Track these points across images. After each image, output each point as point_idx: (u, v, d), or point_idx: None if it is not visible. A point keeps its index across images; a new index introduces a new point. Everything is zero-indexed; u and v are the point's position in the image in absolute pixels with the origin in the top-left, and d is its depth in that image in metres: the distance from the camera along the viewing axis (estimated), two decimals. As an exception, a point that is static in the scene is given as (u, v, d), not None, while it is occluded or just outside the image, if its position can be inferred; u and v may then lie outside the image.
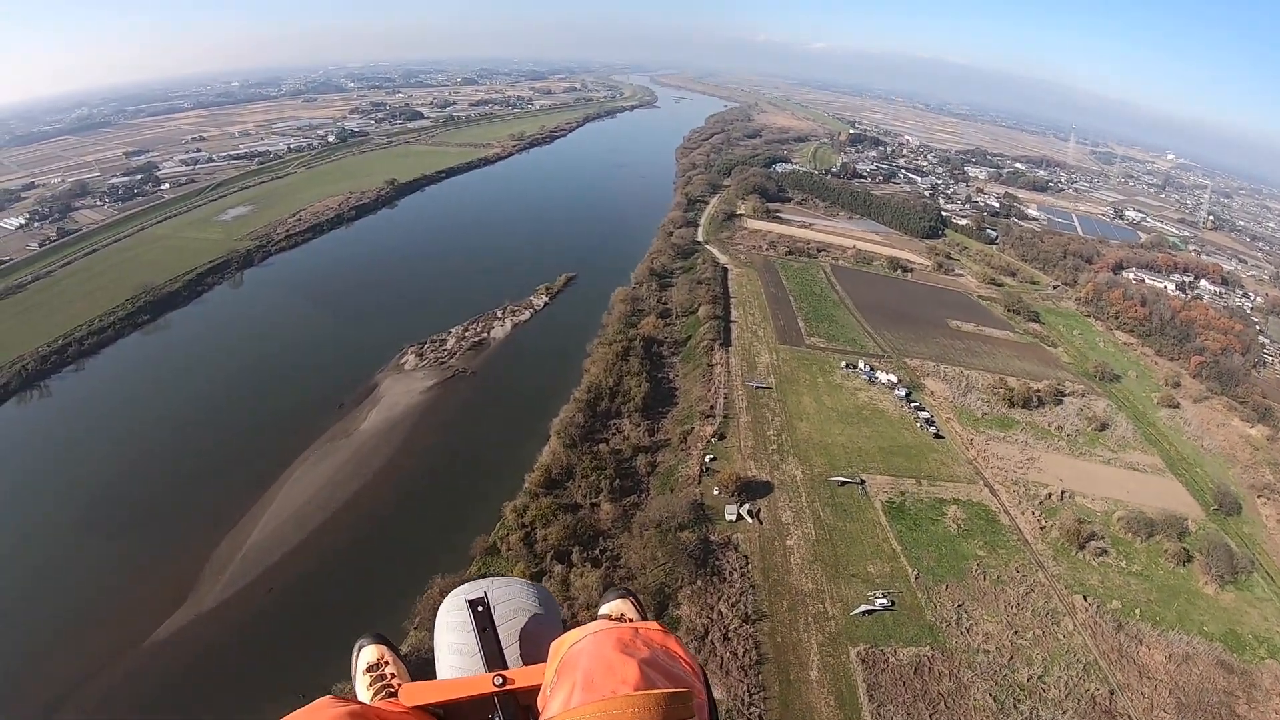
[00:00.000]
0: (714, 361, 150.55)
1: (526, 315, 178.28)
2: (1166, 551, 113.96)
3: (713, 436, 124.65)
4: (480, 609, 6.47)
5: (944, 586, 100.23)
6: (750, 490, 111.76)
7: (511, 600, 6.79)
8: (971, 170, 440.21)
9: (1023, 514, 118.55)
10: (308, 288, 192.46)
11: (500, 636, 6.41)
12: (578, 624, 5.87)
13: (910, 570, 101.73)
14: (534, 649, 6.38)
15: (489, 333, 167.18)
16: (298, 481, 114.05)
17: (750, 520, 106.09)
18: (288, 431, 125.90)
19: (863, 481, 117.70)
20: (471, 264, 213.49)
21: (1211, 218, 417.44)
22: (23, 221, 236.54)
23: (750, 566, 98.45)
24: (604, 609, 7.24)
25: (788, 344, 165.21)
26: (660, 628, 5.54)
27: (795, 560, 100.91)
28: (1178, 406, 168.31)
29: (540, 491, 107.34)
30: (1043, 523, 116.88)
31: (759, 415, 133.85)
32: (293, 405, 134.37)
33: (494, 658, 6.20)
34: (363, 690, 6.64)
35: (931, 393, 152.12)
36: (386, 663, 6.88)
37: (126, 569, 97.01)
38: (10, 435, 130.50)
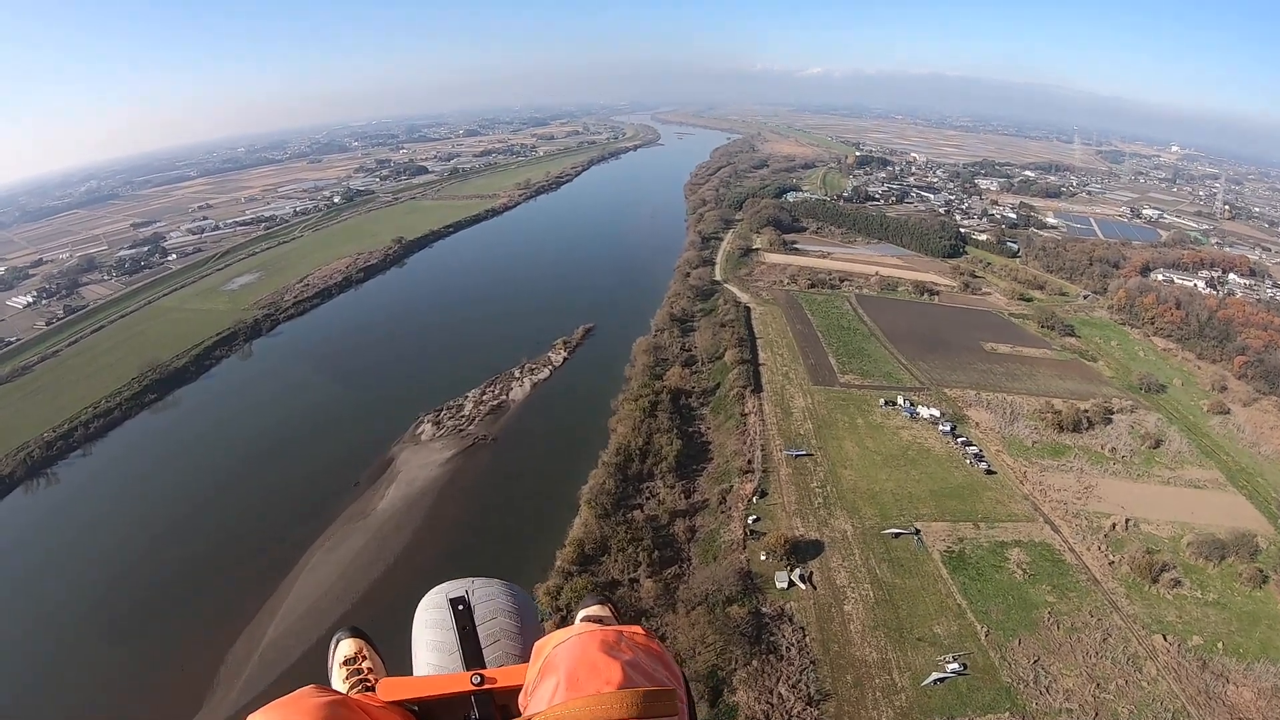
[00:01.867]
0: (746, 410, 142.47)
1: (546, 373, 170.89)
2: (1240, 575, 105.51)
3: (753, 494, 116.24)
4: (461, 607, 6.40)
5: (1017, 641, 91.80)
6: (799, 551, 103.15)
7: (492, 600, 6.62)
8: (982, 182, 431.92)
9: (1088, 550, 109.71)
10: (318, 357, 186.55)
11: (480, 636, 6.30)
12: (556, 628, 5.59)
13: (979, 627, 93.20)
14: (512, 650, 6.30)
15: (508, 394, 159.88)
16: (314, 570, 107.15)
17: (803, 586, 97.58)
18: (303, 515, 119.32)
19: (918, 531, 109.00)
20: (485, 321, 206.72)
21: (1227, 207, 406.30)
22: (30, 300, 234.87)
23: (808, 639, 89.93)
24: (582, 613, 7.10)
25: (821, 384, 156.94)
26: (644, 631, 5.38)
27: (855, 627, 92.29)
28: (1228, 412, 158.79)
29: (574, 570, 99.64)
30: (1110, 557, 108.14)
31: (800, 466, 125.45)
32: (307, 486, 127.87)
33: (473, 656, 6.12)
34: (339, 683, 6.54)
35: (976, 424, 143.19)
36: (364, 656, 6.77)
37: (136, 675, 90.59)
38: (15, 527, 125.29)
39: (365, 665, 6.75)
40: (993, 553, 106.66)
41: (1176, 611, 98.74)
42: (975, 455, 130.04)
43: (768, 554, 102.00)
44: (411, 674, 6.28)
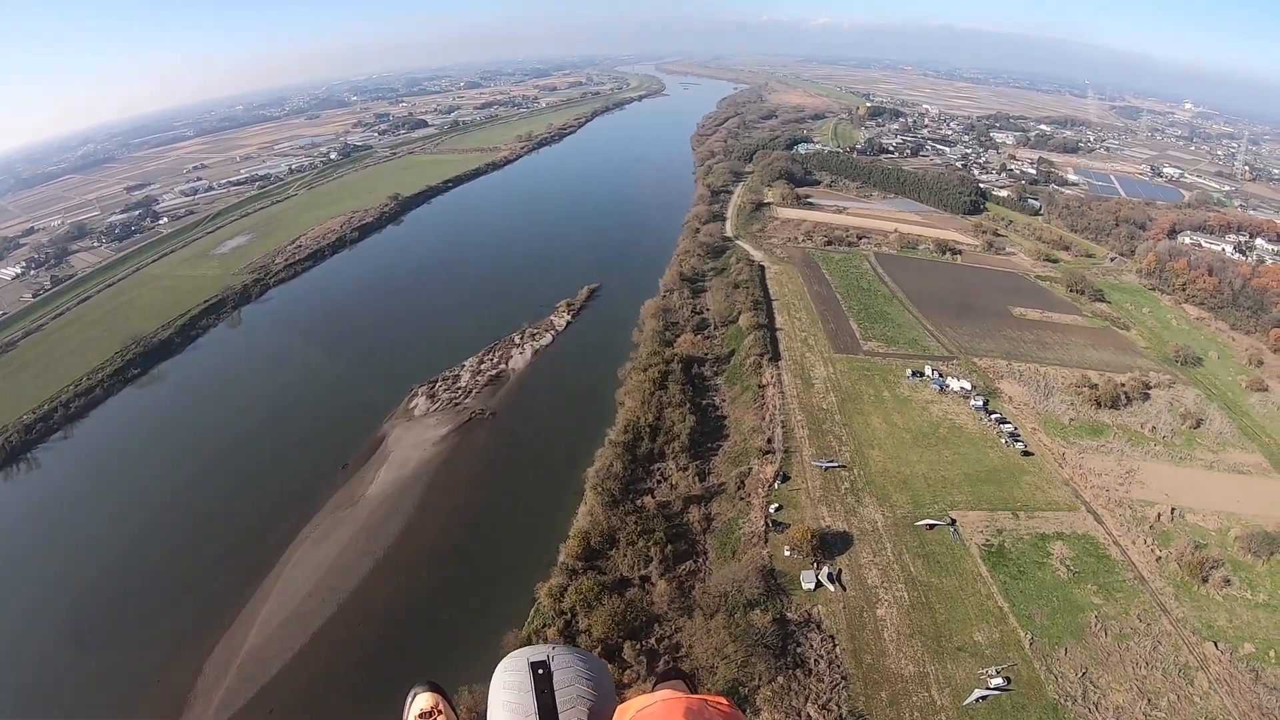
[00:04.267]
0: (764, 381, 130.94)
1: (548, 338, 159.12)
2: None
3: (774, 479, 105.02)
4: (541, 672, 6.25)
5: (1063, 651, 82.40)
6: (826, 545, 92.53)
7: (570, 668, 6.40)
8: (998, 136, 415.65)
9: (1134, 544, 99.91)
10: (308, 324, 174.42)
11: (557, 701, 6.13)
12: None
13: (1023, 634, 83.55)
14: (587, 717, 6.09)
15: (507, 363, 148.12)
16: (298, 566, 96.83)
17: (831, 587, 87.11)
18: (286, 503, 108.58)
19: (953, 522, 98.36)
20: (484, 282, 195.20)
21: (1248, 169, 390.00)
22: (19, 270, 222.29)
23: (838, 650, 79.70)
24: (660, 687, 6.90)
25: (843, 352, 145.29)
26: (727, 703, 5.25)
27: (890, 635, 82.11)
28: (1266, 390, 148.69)
29: (579, 566, 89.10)
30: (1157, 552, 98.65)
31: (824, 445, 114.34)
32: (292, 469, 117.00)
33: None
34: None
35: (1010, 399, 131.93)
36: (440, 712, 6.68)
37: (106, 688, 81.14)
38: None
39: None
40: (1034, 546, 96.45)
41: (1227, 615, 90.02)
42: (1011, 434, 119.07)
43: (792, 549, 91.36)
44: None
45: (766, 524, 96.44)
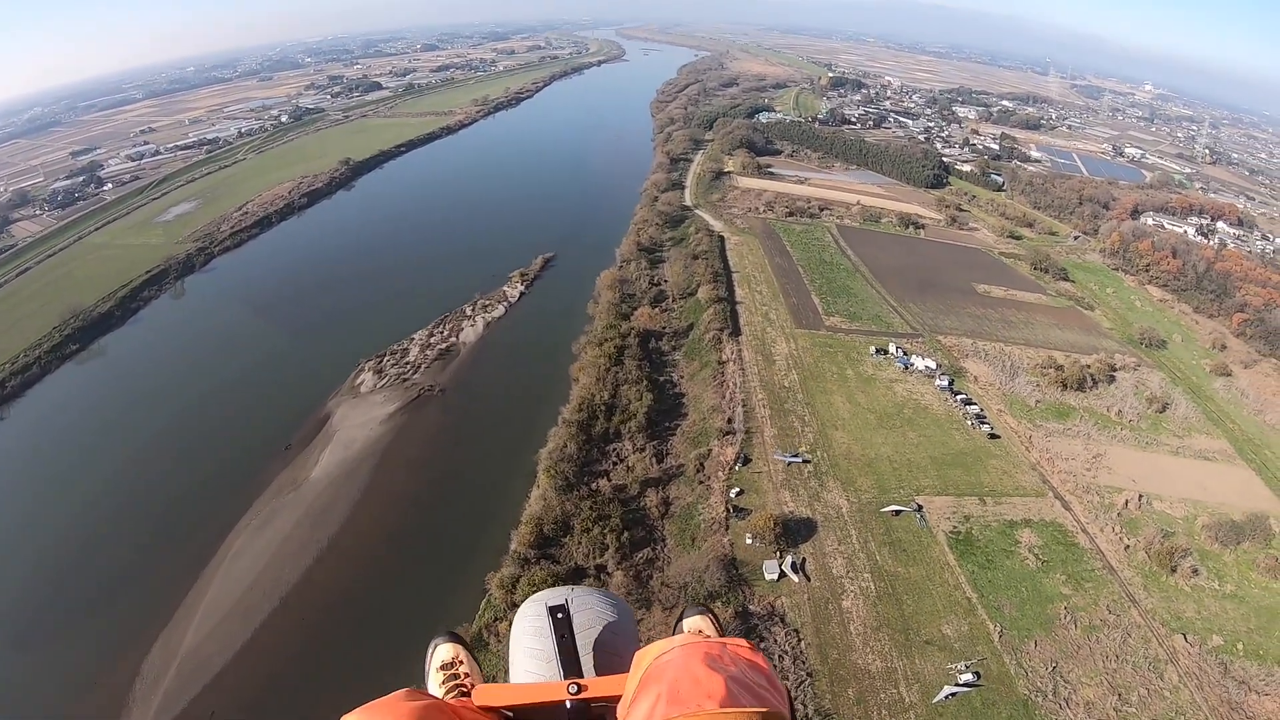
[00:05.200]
0: (724, 357, 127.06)
1: (500, 310, 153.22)
2: (1256, 563, 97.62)
3: (735, 461, 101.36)
4: (560, 615, 6.31)
5: (1032, 644, 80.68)
6: (790, 533, 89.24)
7: (590, 609, 6.48)
8: (960, 110, 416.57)
9: (1101, 531, 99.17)
10: (252, 295, 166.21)
11: (578, 644, 6.19)
12: (653, 639, 5.46)
13: (992, 626, 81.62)
14: (609, 659, 6.14)
15: (458, 336, 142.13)
16: (239, 556, 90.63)
17: (795, 577, 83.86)
18: (228, 487, 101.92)
19: (920, 508, 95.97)
20: (435, 250, 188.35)
21: (1208, 152, 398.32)
22: None
23: (803, 644, 76.64)
24: (684, 625, 6.95)
25: (805, 327, 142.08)
26: (748, 645, 5.24)
27: (856, 628, 79.35)
28: (1231, 375, 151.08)
29: (531, 555, 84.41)
30: (1125, 540, 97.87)
31: (786, 426, 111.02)
32: (233, 451, 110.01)
33: (570, 665, 6.02)
34: (435, 687, 6.48)
35: (975, 378, 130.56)
36: (461, 662, 6.72)
37: (34, 692, 74.87)
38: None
39: (462, 671, 6.56)
40: (1002, 534, 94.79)
41: (1195, 606, 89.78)
42: (977, 416, 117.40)
43: (754, 537, 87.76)
44: (508, 680, 6.21)
45: (727, 509, 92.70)
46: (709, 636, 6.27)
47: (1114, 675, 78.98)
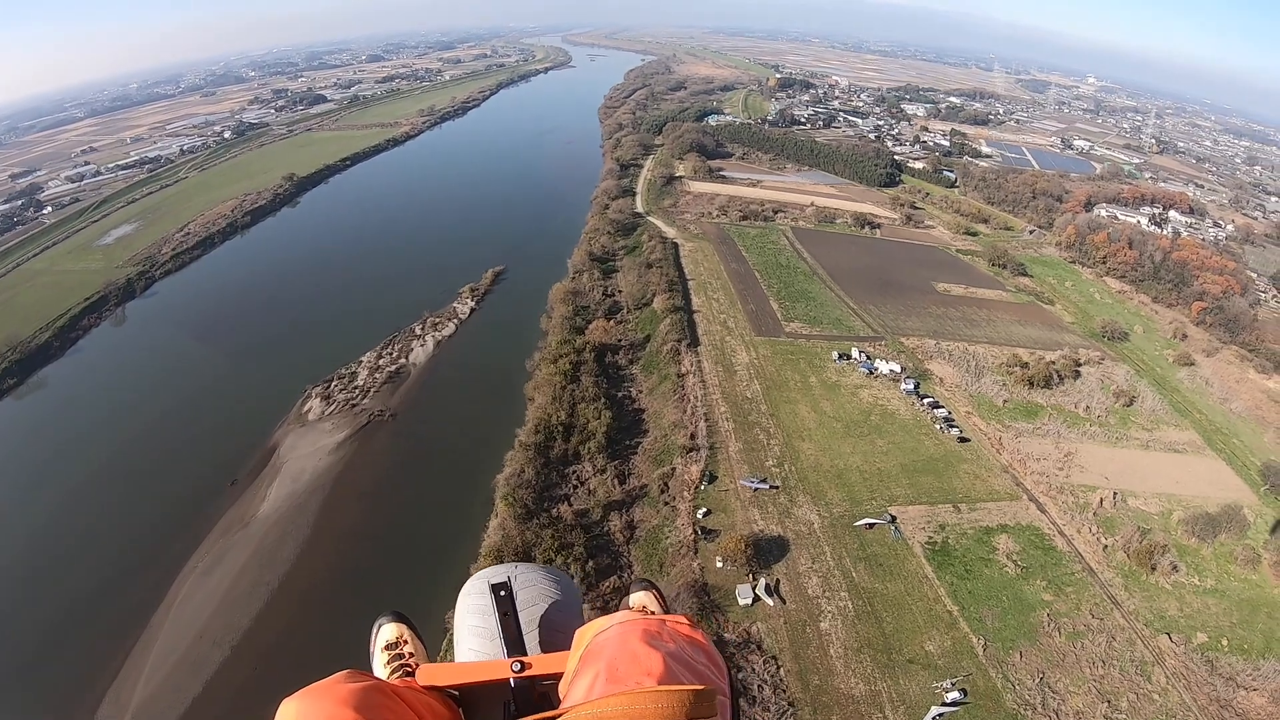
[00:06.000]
0: (683, 369, 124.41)
1: (451, 328, 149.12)
2: (1234, 555, 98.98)
3: (701, 479, 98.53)
4: (503, 593, 6.36)
5: (1018, 655, 79.41)
6: (762, 553, 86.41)
7: (534, 586, 6.57)
8: (909, 108, 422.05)
9: (1079, 532, 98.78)
10: (194, 320, 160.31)
11: (521, 622, 6.27)
12: (599, 614, 5.59)
13: (975, 639, 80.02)
14: (554, 637, 6.23)
15: (407, 357, 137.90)
16: (187, 601, 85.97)
17: (770, 601, 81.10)
18: (174, 526, 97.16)
19: (894, 519, 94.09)
20: (382, 267, 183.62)
21: (1154, 142, 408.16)
22: None
23: (783, 672, 73.86)
24: (628, 600, 7.14)
25: (765, 334, 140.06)
26: (688, 620, 5.33)
27: (836, 651, 76.80)
28: (1194, 364, 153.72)
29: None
30: (1103, 540, 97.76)
31: (751, 439, 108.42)
32: (178, 486, 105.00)
33: (514, 643, 6.09)
34: (380, 668, 6.48)
35: (941, 380, 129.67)
36: (405, 641, 6.72)
37: None
38: None
39: (407, 650, 6.59)
40: (979, 542, 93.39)
41: (1178, 604, 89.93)
42: (945, 420, 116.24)
43: (725, 560, 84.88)
44: (454, 659, 6.15)
45: (695, 531, 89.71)
46: (652, 613, 6.48)
47: (1102, 681, 78.15)
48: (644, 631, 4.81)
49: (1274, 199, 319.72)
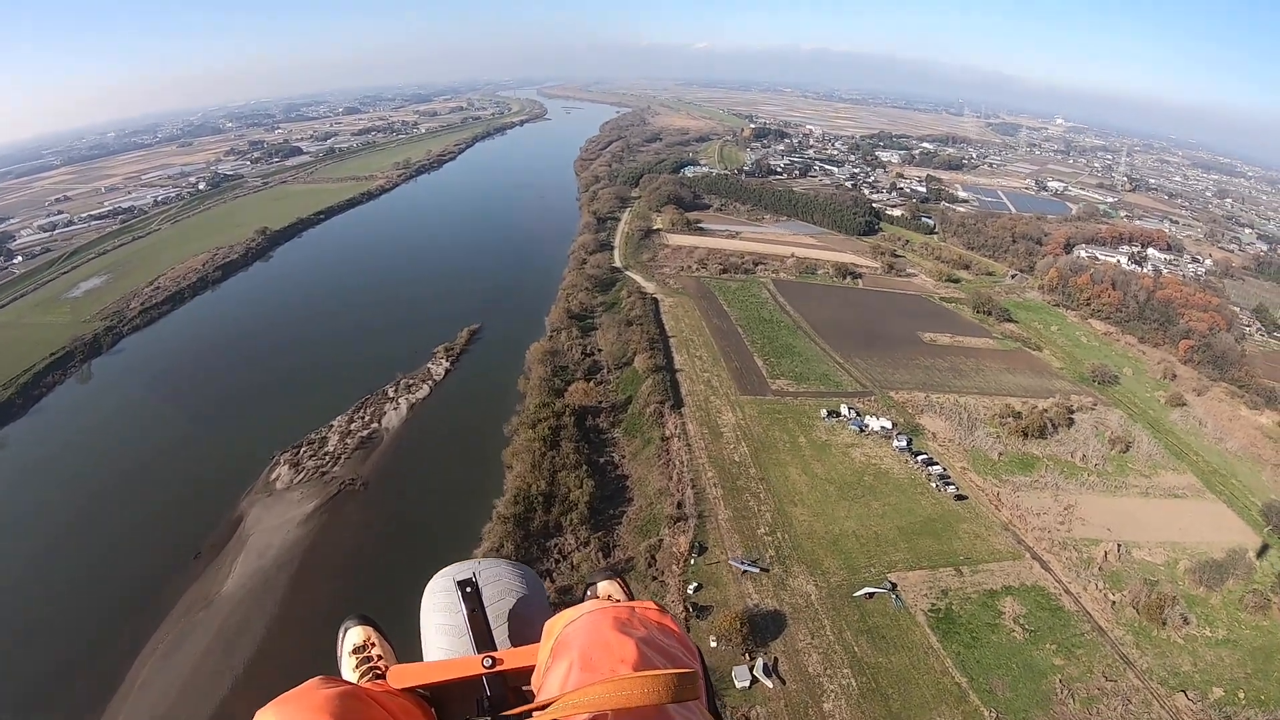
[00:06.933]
0: (667, 432, 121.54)
1: (425, 390, 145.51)
2: (1243, 602, 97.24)
3: (690, 551, 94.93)
4: (469, 589, 6.33)
5: (1032, 727, 75.52)
6: (758, 630, 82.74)
7: (499, 581, 6.56)
8: (883, 154, 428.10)
9: (1085, 589, 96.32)
10: (161, 380, 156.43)
11: (489, 617, 6.25)
12: (565, 605, 5.64)
13: (987, 713, 77.17)
14: (522, 630, 6.24)
15: (380, 421, 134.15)
16: (146, 688, 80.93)
17: (769, 682, 77.30)
18: (132, 604, 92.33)
19: (894, 587, 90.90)
20: (355, 325, 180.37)
21: (1127, 179, 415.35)
22: None
23: (785, 761, 70.25)
24: (592, 591, 7.08)
25: (751, 393, 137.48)
26: (656, 606, 5.38)
27: (841, 735, 73.24)
28: (1186, 404, 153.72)
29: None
30: (1111, 596, 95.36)
31: (741, 506, 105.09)
32: (138, 561, 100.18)
33: (483, 638, 6.07)
34: (349, 672, 6.43)
35: (933, 435, 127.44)
36: (373, 644, 6.62)
37: None
38: None
39: (375, 653, 6.49)
40: (984, 606, 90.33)
41: (1191, 658, 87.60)
42: (941, 477, 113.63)
43: (719, 639, 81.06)
44: (422, 659, 6.18)
45: (686, 609, 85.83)
46: (618, 601, 6.32)
47: (1121, 751, 75.10)
48: (614, 619, 4.79)
49: (1248, 231, 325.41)
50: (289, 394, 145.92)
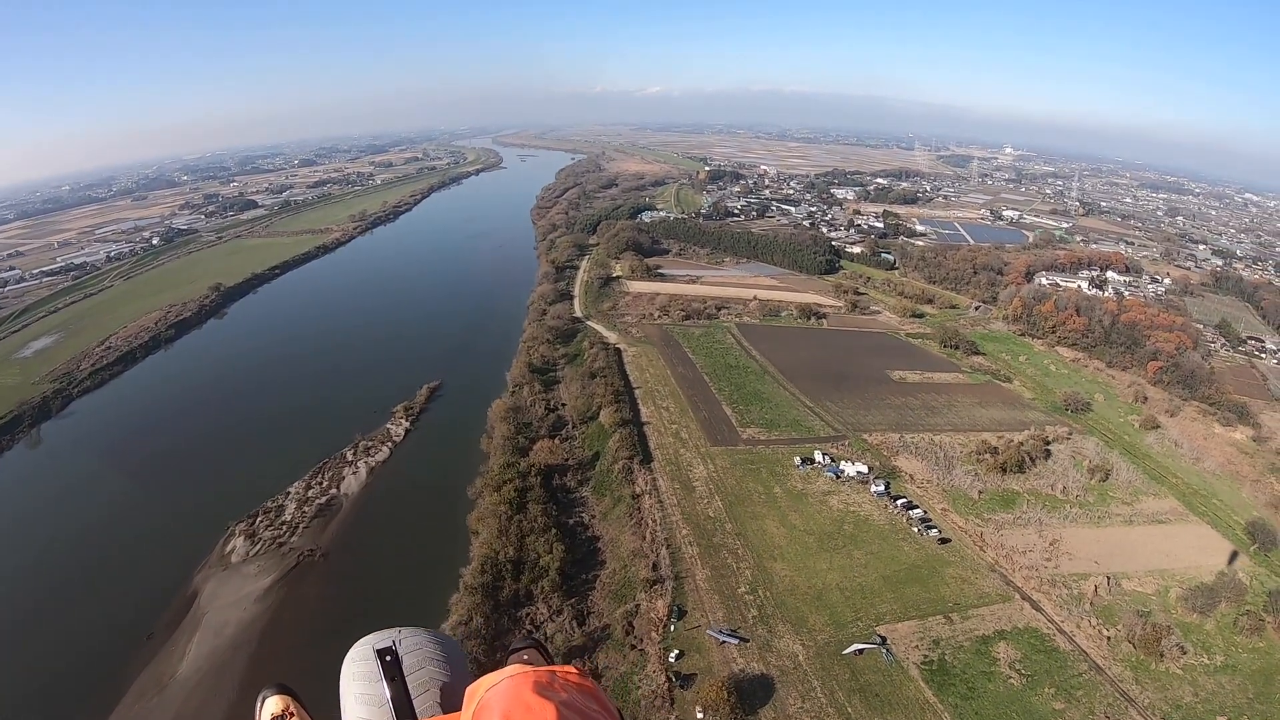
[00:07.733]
0: (638, 490, 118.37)
1: (385, 452, 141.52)
2: (1237, 625, 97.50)
3: (669, 616, 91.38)
4: (389, 659, 6.19)
5: (1038, 782, 72.81)
6: (746, 698, 79.02)
7: (420, 650, 6.37)
8: (839, 192, 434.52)
9: (1079, 627, 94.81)
10: (112, 446, 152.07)
11: (409, 687, 6.10)
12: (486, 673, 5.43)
13: (989, 770, 73.05)
14: (443, 699, 6.12)
15: (338, 486, 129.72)
16: None
17: (760, 755, 73.94)
18: (80, 691, 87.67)
19: (884, 640, 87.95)
20: (311, 385, 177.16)
21: (1080, 204, 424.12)
22: None
23: (783, 842, 66.48)
24: (512, 657, 6.75)
25: (721, 443, 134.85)
26: (577, 670, 5.29)
27: (840, 808, 69.73)
28: (1160, 427, 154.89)
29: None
30: (1105, 632, 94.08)
31: (719, 564, 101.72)
32: (87, 643, 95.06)
33: (403, 708, 5.96)
34: None
35: (911, 477, 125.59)
36: (292, 714, 6.61)
37: None
38: None
39: None
40: (977, 654, 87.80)
41: (1192, 688, 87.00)
42: (922, 521, 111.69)
43: (705, 710, 77.28)
44: None
45: (668, 678, 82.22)
46: (538, 666, 6.13)
47: (1129, 792, 72.70)
48: (534, 683, 4.79)
49: (1202, 247, 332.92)
50: (244, 459, 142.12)
